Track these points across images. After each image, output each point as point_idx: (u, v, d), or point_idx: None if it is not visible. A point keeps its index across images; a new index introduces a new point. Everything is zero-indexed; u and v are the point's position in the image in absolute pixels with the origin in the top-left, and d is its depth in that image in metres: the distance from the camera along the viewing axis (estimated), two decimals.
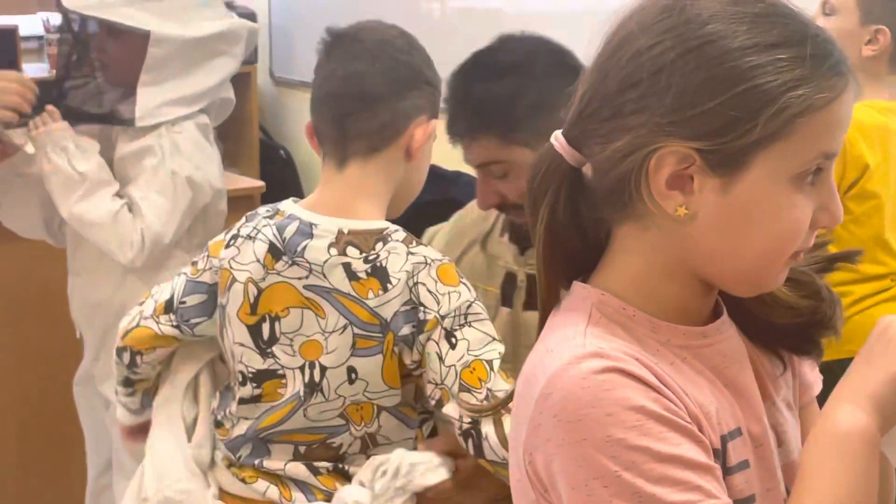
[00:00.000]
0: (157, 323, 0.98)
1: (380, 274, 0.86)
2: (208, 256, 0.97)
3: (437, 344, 0.84)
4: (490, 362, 0.83)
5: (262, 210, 0.95)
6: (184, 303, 0.97)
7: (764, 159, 0.52)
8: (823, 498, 0.51)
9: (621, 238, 0.58)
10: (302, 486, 0.91)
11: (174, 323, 0.97)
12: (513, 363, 0.87)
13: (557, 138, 0.58)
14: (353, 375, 0.87)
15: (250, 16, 2.17)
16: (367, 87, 0.89)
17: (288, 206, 0.93)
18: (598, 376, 0.51)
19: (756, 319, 0.62)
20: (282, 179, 2.39)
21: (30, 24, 2.45)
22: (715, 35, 0.52)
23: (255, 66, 2.40)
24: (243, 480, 0.93)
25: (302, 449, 0.91)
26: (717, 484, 0.51)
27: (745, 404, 0.59)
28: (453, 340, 0.84)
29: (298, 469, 0.90)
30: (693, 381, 0.56)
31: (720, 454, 0.55)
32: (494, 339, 0.86)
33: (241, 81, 2.02)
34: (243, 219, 0.96)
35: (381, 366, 0.86)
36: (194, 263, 0.99)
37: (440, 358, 0.84)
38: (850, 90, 0.54)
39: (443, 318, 0.84)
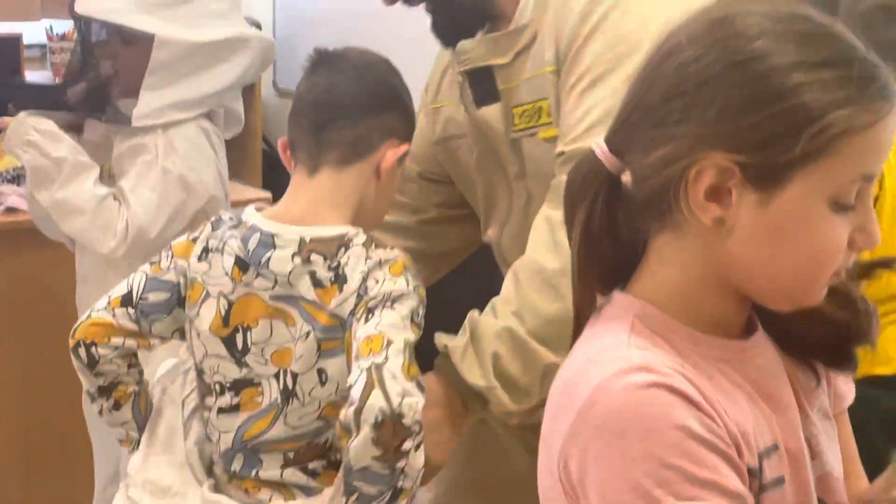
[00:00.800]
0: (113, 314, 0.94)
1: (341, 280, 0.87)
2: (173, 256, 0.96)
3: (358, 321, 0.85)
4: (391, 343, 0.82)
5: (226, 217, 0.96)
6: (145, 298, 0.94)
7: (803, 177, 0.52)
8: None
9: (659, 248, 0.58)
10: (304, 489, 0.92)
11: (133, 317, 0.94)
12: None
13: (599, 145, 0.59)
14: (324, 377, 0.88)
15: (255, 27, 2.19)
16: (348, 99, 0.92)
17: (250, 215, 0.93)
18: (645, 391, 0.51)
19: (790, 332, 0.62)
20: (285, 190, 2.40)
21: (33, 33, 2.46)
22: (763, 51, 0.53)
23: (258, 78, 2.41)
24: (246, 491, 0.93)
25: (291, 455, 0.91)
26: None
27: (783, 419, 0.59)
28: (370, 316, 0.85)
29: (297, 476, 0.92)
30: (731, 397, 0.56)
31: (756, 473, 0.55)
32: (408, 329, 0.84)
33: (246, 92, 2.03)
34: (208, 226, 0.95)
35: (346, 364, 0.86)
36: (155, 262, 0.97)
37: (353, 334, 0.85)
38: (895, 114, 0.54)
39: (371, 298, 0.85)
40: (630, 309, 0.57)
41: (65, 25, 2.44)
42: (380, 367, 0.79)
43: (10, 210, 1.90)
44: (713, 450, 0.51)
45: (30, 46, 2.47)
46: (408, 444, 0.77)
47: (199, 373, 0.95)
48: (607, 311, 0.60)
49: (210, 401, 0.94)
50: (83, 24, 1.45)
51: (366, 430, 0.76)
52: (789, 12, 0.55)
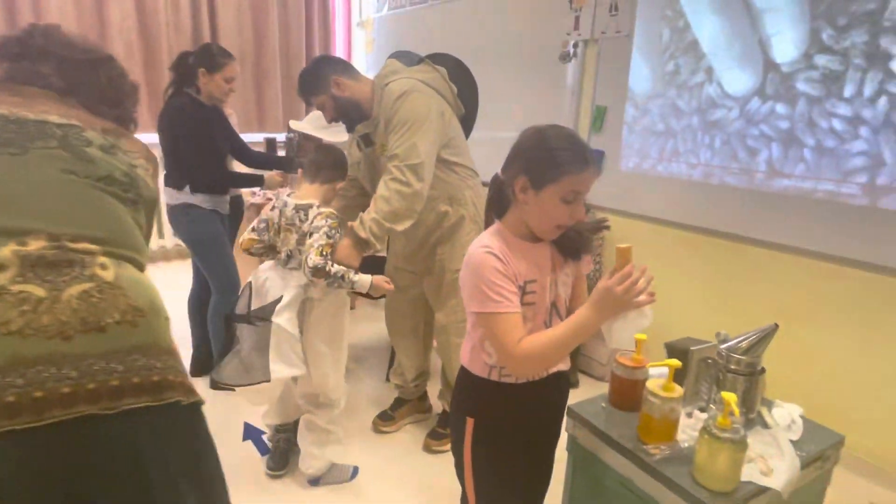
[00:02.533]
0: (251, 231, 2.31)
1: (307, 220, 2.17)
2: (262, 218, 2.30)
3: (309, 234, 2.14)
4: (316, 241, 2.08)
5: (282, 197, 2.25)
6: (258, 227, 2.31)
7: (551, 187, 1.39)
8: (557, 335, 1.41)
9: (506, 208, 1.50)
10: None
11: (257, 233, 2.30)
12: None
13: (499, 172, 1.46)
14: (300, 249, 2.21)
15: None
16: (324, 165, 2.26)
17: (285, 196, 2.22)
18: (484, 253, 1.43)
19: (560, 243, 1.51)
20: None
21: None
22: (549, 137, 1.41)
23: None
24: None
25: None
26: (516, 301, 1.43)
27: (542, 272, 1.50)
28: (313, 232, 2.11)
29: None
30: (520, 261, 1.46)
31: (522, 289, 1.46)
32: (323, 238, 2.07)
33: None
34: (274, 199, 2.30)
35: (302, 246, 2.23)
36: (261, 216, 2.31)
37: (308, 238, 2.16)
38: (589, 172, 1.40)
39: (312, 227, 2.14)
40: (497, 227, 1.50)
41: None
42: (310, 247, 2.11)
43: None
44: (506, 276, 1.42)
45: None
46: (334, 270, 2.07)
47: (273, 247, 2.26)
48: (491, 227, 1.51)
49: (277, 257, 2.25)
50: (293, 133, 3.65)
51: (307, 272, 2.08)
52: (560, 128, 1.43)
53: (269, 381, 2.00)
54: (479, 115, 2.76)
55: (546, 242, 1.51)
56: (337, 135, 3.49)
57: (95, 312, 1.09)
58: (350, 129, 2.40)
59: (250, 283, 2.19)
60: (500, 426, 1.57)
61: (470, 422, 1.57)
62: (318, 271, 1.99)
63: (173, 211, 2.82)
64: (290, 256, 2.16)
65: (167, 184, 2.82)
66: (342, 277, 2.03)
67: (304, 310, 2.15)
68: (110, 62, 1.42)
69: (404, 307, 2.64)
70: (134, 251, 1.23)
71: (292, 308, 2.09)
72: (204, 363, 3.01)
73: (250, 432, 2.58)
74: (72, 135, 1.27)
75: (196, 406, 1.18)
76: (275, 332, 2.05)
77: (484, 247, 1.43)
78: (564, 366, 1.61)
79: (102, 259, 1.16)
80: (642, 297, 1.38)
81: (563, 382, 1.63)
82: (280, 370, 2.02)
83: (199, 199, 2.81)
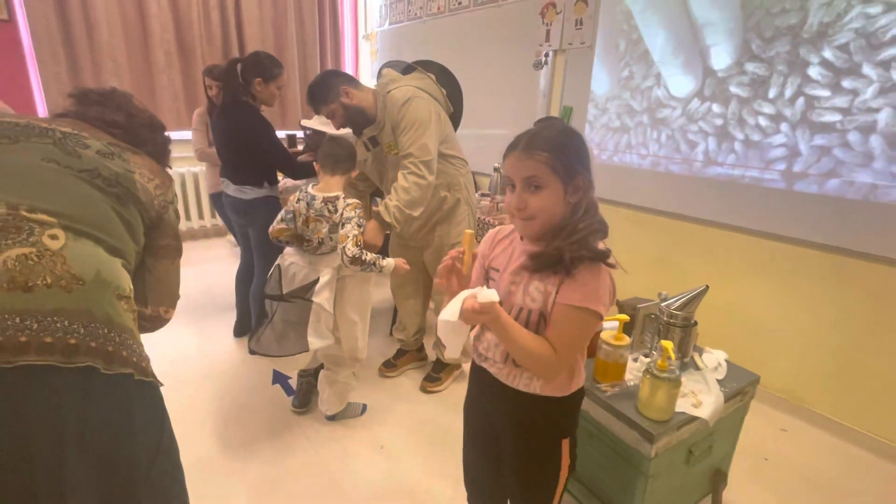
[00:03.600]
0: (280, 221, 2.19)
1: (336, 211, 2.08)
2: (287, 209, 2.19)
3: (341, 224, 2.06)
4: (350, 232, 2.02)
5: (303, 189, 2.14)
6: (286, 216, 2.20)
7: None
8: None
9: None
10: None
11: (285, 221, 2.18)
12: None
13: None
14: (332, 235, 2.14)
15: None
16: (341, 157, 2.16)
17: (308, 189, 2.12)
18: (491, 231, 1.35)
19: (536, 253, 1.23)
20: None
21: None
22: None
23: None
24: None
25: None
26: (481, 273, 1.31)
27: (504, 266, 1.28)
28: (345, 222, 2.05)
29: None
30: (502, 252, 1.30)
31: (489, 270, 1.31)
32: (355, 228, 2.03)
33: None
34: (299, 192, 2.15)
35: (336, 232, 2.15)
36: (287, 207, 2.20)
37: (341, 227, 2.07)
38: (512, 157, 1.18)
39: (343, 218, 2.05)
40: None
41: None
42: (345, 237, 2.02)
43: None
44: (485, 257, 1.32)
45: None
46: (365, 257, 2.02)
47: (302, 236, 2.14)
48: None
49: (306, 245, 2.14)
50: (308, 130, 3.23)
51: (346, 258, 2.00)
52: (543, 120, 1.23)
53: (307, 350, 2.06)
54: (465, 113, 2.78)
55: (521, 242, 1.26)
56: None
57: (26, 273, 1.00)
58: (357, 133, 2.34)
59: (279, 266, 2.16)
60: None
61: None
62: (355, 260, 1.98)
63: (252, 204, 2.70)
64: (321, 243, 2.11)
65: (240, 181, 2.68)
66: (373, 264, 2.01)
67: (337, 287, 2.14)
68: (164, 131, 1.41)
69: (407, 275, 2.66)
70: (101, 231, 1.13)
71: (330, 288, 2.09)
72: (245, 326, 3.03)
73: (278, 378, 2.63)
74: (71, 138, 1.19)
75: (126, 379, 1.04)
76: (314, 310, 2.06)
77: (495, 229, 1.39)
78: None
79: (55, 231, 1.07)
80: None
81: None
82: (315, 342, 2.06)
83: (274, 191, 2.75)
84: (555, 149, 1.15)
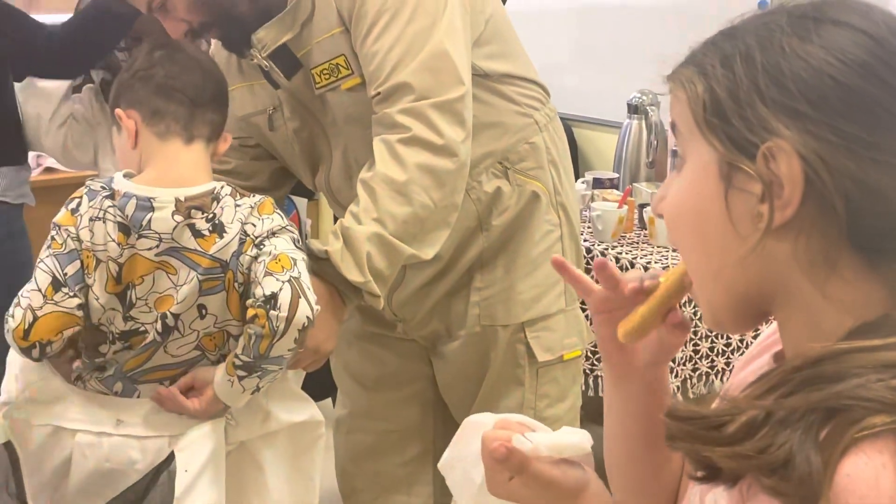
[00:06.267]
0: (56, 304, 0.89)
1: (218, 228, 0.90)
2: (63, 227, 0.92)
3: (252, 255, 0.89)
4: (295, 260, 0.88)
5: (98, 187, 0.93)
6: (66, 273, 0.90)
7: None
8: None
9: None
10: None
11: (72, 293, 0.89)
12: None
13: None
14: (204, 311, 0.91)
15: None
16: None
17: (121, 183, 0.92)
18: None
19: None
20: None
21: None
22: None
23: None
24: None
25: (166, 383, 0.93)
26: None
27: None
28: (263, 246, 0.89)
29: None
30: None
31: None
32: (298, 251, 0.90)
33: None
34: (84, 196, 0.92)
35: (225, 299, 0.91)
36: (50, 243, 0.91)
37: (253, 259, 0.89)
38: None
39: (256, 237, 0.90)
40: None
41: None
42: (298, 279, 0.86)
43: (49, 169, 1.96)
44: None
45: None
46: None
47: (96, 327, 0.93)
48: None
49: (104, 348, 0.93)
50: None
51: (292, 333, 0.85)
52: None
53: None
54: None
55: None
56: None
57: None
58: (238, 47, 1.02)
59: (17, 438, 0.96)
60: None
61: None
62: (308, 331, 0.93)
63: None
64: (165, 336, 0.96)
65: None
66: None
67: (231, 471, 0.99)
68: None
69: (387, 419, 1.15)
70: None
71: (214, 470, 0.95)
72: None
73: None
74: None
75: None
76: None
77: None
78: None
79: None
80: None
81: None
82: None
83: (18, 182, 1.62)
84: (731, 59, 0.43)
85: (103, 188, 0.91)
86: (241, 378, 0.88)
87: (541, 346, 1.05)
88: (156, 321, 0.91)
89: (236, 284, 0.90)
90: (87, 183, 0.94)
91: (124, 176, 0.92)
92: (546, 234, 1.05)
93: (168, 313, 0.90)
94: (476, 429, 0.55)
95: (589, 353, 1.40)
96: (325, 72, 0.98)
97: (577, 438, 0.52)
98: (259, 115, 1.06)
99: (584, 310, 1.08)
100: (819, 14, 0.41)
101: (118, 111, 0.94)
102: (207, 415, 0.91)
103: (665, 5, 1.99)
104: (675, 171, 0.46)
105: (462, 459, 0.57)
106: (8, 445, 0.92)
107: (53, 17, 2.30)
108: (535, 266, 1.04)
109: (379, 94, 0.93)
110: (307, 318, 0.84)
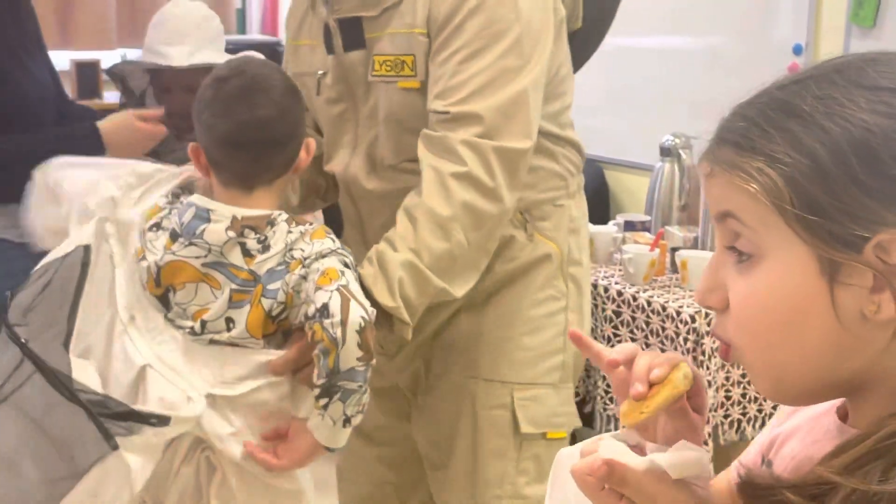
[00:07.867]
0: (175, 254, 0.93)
1: (266, 248, 0.90)
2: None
3: (298, 273, 0.88)
4: (343, 272, 0.87)
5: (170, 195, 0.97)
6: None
7: None
8: None
9: None
10: None
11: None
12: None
13: None
14: (231, 325, 0.90)
15: None
16: (277, 133, 0.93)
17: (195, 198, 0.94)
18: None
19: None
20: None
21: (110, 59, 2.42)
22: None
23: None
24: None
25: None
26: None
27: None
28: (311, 266, 0.88)
29: None
30: None
31: None
32: (349, 270, 0.89)
33: None
34: (157, 203, 0.96)
35: (247, 313, 0.89)
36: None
37: (302, 278, 0.88)
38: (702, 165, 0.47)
39: (305, 258, 0.89)
40: None
41: (136, 53, 2.34)
42: (346, 286, 0.85)
43: None
44: None
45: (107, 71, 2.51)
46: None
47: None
48: None
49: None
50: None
51: (352, 338, 0.82)
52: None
53: None
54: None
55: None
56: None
57: None
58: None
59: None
60: None
61: None
62: (370, 334, 0.91)
63: None
64: (203, 329, 0.97)
65: None
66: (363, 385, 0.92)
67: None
68: None
69: (361, 480, 1.13)
70: None
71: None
72: None
73: None
74: None
75: None
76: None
77: None
78: None
79: None
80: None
81: None
82: None
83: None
84: (798, 147, 0.39)
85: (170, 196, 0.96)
86: (325, 407, 0.83)
87: (525, 417, 0.97)
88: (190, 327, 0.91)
89: (261, 300, 0.87)
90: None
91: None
92: (550, 299, 1.01)
93: (200, 320, 0.90)
94: (569, 462, 0.50)
95: None
96: (387, 63, 0.94)
97: (695, 455, 0.45)
98: (309, 77, 1.02)
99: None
100: (890, 82, 0.39)
101: (193, 145, 0.94)
102: (302, 465, 0.88)
103: (697, 48, 2.01)
104: (737, 263, 0.43)
105: (565, 502, 0.52)
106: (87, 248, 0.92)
107: (87, 53, 2.48)
108: (533, 329, 0.99)
109: (448, 113, 0.89)
110: (362, 318, 0.81)
